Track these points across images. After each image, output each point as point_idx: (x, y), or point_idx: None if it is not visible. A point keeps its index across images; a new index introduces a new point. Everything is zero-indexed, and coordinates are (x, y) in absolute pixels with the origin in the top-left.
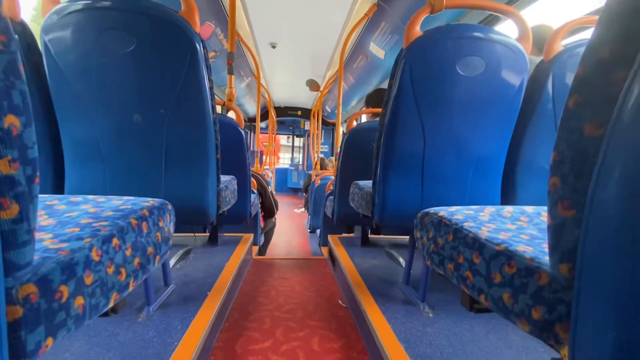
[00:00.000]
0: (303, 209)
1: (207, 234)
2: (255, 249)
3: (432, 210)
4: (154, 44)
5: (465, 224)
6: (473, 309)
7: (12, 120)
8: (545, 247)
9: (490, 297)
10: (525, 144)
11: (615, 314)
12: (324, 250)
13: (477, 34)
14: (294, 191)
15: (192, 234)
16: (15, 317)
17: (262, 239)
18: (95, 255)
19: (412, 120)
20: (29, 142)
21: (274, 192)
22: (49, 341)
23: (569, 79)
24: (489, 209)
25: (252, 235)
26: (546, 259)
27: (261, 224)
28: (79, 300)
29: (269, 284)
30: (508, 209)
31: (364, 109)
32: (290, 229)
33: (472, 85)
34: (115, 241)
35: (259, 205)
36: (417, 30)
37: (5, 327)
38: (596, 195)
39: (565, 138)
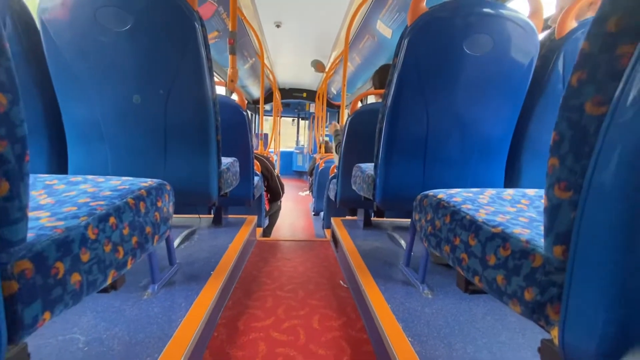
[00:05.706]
0: (308, 192)
1: (212, 216)
2: (259, 230)
3: (431, 192)
4: (151, 22)
5: (463, 206)
6: (468, 290)
7: None
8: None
9: (484, 279)
10: (532, 126)
11: (607, 296)
12: (327, 232)
13: (486, 10)
14: (299, 174)
15: (197, 215)
16: (11, 292)
17: (266, 221)
18: (91, 234)
19: (416, 101)
20: (16, 120)
21: (279, 175)
22: (47, 315)
23: None
24: (490, 192)
25: (255, 217)
26: (542, 241)
27: (266, 207)
28: (76, 277)
29: (272, 264)
30: (509, 192)
31: (370, 89)
32: (294, 212)
33: (478, 65)
34: (112, 220)
35: (263, 188)
36: (423, 6)
37: (2, 301)
38: (594, 177)
39: (565, 117)
